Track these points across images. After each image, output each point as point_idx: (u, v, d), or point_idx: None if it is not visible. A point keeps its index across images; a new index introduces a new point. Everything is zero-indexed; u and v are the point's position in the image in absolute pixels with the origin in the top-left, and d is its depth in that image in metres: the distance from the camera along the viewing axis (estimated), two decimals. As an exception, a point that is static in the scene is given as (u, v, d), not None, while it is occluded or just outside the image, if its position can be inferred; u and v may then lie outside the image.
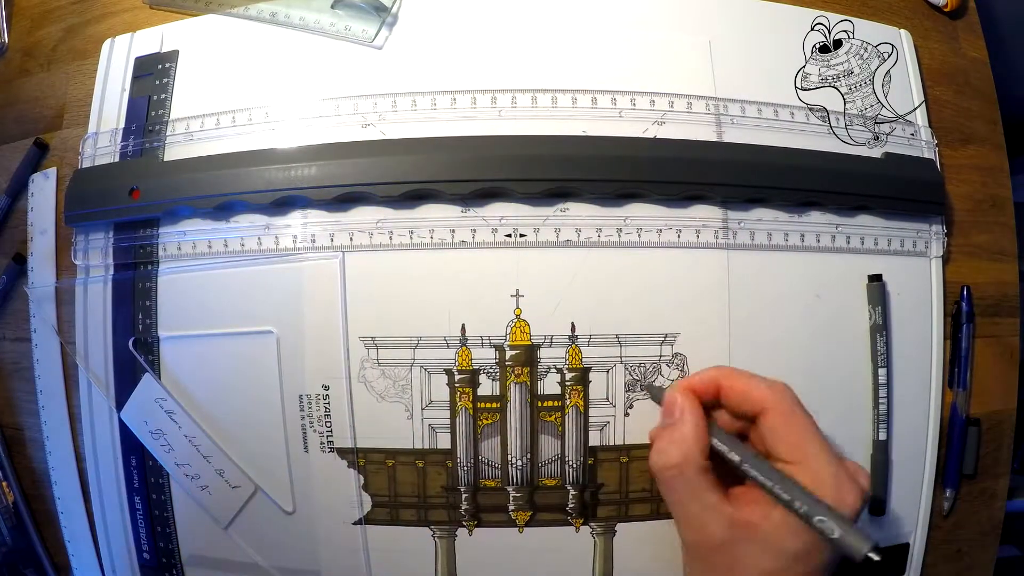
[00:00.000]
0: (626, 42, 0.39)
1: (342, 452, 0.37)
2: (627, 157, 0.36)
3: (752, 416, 0.32)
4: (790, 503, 0.28)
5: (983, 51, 0.44)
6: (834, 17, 0.41)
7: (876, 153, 0.40)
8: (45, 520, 0.43)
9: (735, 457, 0.31)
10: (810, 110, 0.39)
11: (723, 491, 0.30)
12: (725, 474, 0.31)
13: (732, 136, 0.38)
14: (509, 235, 0.36)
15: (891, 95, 0.41)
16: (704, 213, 0.37)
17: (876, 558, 0.27)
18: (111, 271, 0.39)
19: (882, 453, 0.39)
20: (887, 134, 0.40)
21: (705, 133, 0.38)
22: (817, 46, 0.40)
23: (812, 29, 0.40)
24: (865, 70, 0.40)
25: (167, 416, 0.38)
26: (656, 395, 0.35)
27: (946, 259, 0.41)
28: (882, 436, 0.38)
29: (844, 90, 0.40)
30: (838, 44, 0.40)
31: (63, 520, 0.42)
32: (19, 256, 0.42)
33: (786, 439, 0.30)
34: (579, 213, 0.36)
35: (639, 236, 0.36)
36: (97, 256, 0.39)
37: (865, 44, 0.40)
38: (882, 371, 0.38)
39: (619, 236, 0.36)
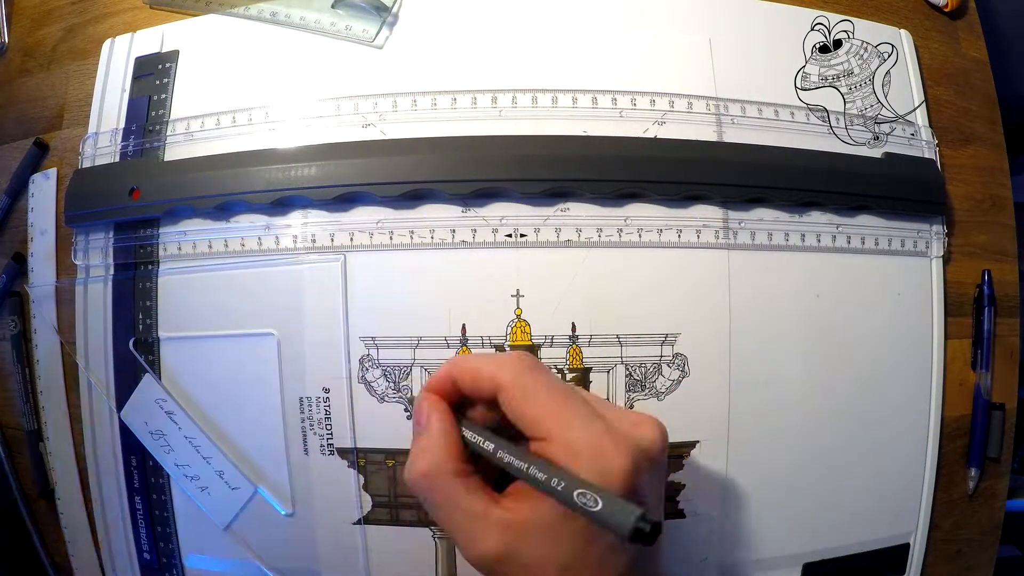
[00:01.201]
0: (626, 42, 0.39)
1: (342, 452, 0.37)
2: (628, 157, 0.36)
3: (493, 398, 0.28)
4: (545, 483, 0.24)
5: (983, 51, 0.45)
6: (834, 17, 0.41)
7: (876, 153, 0.40)
8: (45, 520, 0.43)
9: (487, 448, 0.27)
10: (810, 110, 0.39)
11: (491, 495, 0.26)
12: (502, 478, 0.27)
13: (732, 136, 0.38)
14: (510, 235, 0.36)
15: (891, 95, 0.41)
16: (705, 213, 0.37)
17: (646, 528, 0.22)
18: (111, 271, 0.39)
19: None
20: (887, 134, 0.40)
21: (705, 133, 0.38)
22: (817, 46, 0.40)
23: (812, 29, 0.40)
24: (865, 70, 0.40)
25: (167, 417, 0.38)
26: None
27: (946, 259, 0.41)
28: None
29: (844, 90, 0.40)
30: (838, 44, 0.40)
31: (63, 520, 0.42)
32: (19, 255, 0.42)
33: (526, 414, 0.26)
34: (579, 213, 0.36)
35: (640, 236, 0.36)
36: (97, 256, 0.39)
37: (865, 44, 0.40)
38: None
39: (620, 236, 0.36)
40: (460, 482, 0.26)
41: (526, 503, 0.25)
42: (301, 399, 0.37)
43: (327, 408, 0.36)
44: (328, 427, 0.37)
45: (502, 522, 0.25)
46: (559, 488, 0.24)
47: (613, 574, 0.25)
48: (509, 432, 0.27)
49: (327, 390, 0.36)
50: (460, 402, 0.29)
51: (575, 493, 0.23)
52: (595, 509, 0.23)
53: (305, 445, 0.37)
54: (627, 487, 0.24)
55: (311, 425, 0.37)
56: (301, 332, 0.37)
